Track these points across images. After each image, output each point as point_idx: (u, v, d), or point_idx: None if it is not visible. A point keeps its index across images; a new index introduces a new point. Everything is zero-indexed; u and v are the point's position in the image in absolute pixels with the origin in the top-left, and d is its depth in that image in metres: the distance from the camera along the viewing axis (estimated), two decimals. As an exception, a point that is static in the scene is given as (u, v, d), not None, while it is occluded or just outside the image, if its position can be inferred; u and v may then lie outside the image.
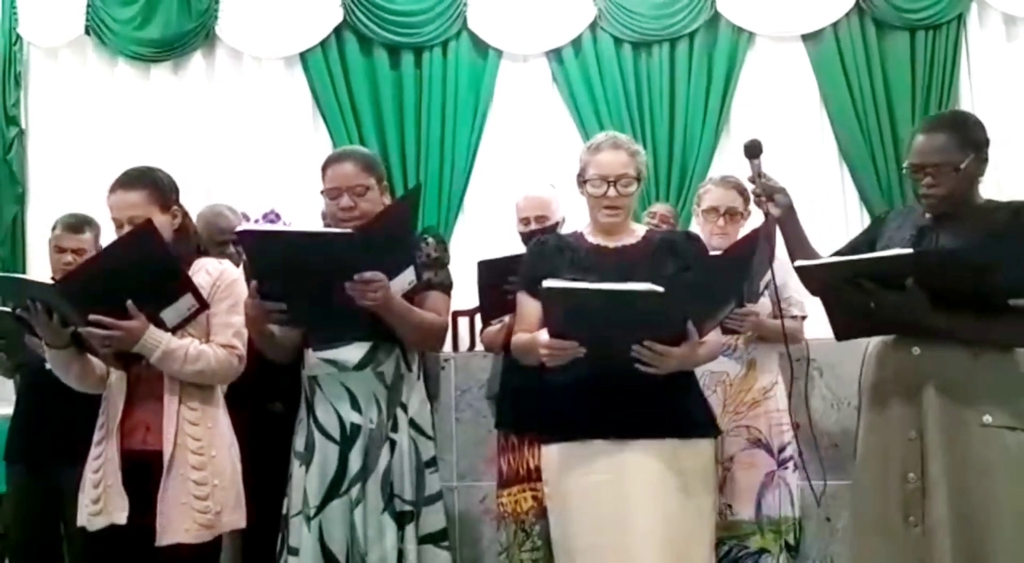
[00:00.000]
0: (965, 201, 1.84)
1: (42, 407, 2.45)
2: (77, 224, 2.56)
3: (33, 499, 2.48)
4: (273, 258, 1.80)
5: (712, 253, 2.23)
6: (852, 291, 1.72)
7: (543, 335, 1.78)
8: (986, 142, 1.85)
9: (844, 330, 1.86)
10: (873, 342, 1.92)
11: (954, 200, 1.83)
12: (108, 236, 1.95)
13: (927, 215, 1.88)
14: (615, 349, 1.72)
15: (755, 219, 2.49)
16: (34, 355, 2.23)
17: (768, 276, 2.37)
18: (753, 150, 1.94)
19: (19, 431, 2.54)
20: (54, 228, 2.58)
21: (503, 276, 2.32)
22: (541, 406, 1.94)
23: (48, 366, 2.26)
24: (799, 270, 1.81)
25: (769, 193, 1.94)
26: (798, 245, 1.97)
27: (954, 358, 1.77)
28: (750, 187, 1.98)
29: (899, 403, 1.81)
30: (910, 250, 1.73)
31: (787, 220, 1.96)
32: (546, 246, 1.99)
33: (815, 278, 1.81)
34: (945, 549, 1.70)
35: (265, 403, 2.31)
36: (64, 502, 2.37)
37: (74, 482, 2.13)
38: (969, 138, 1.83)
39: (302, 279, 1.80)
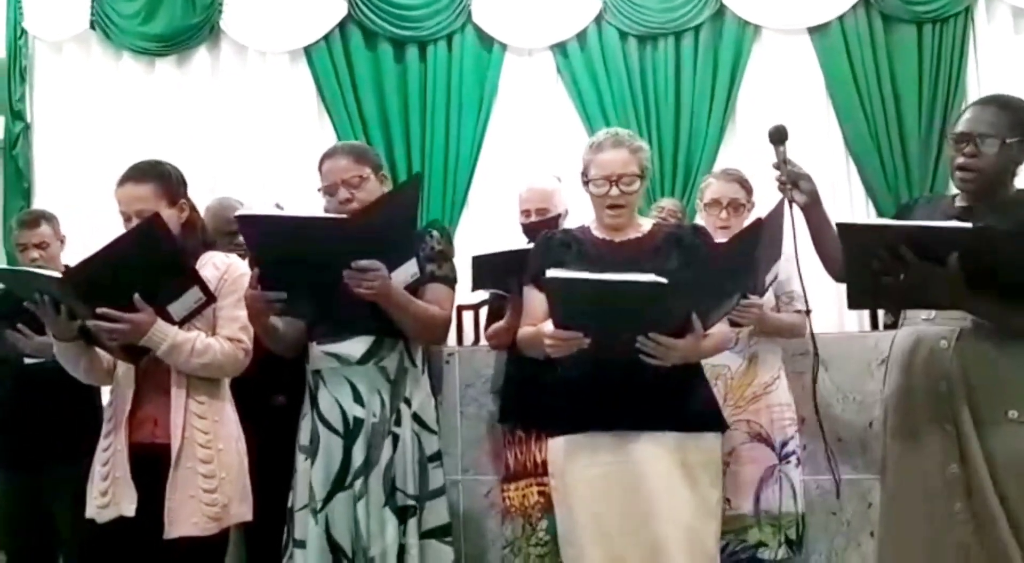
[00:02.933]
0: (997, 189, 1.79)
1: (23, 405, 2.44)
2: (31, 219, 2.59)
3: (20, 497, 2.47)
4: (272, 244, 1.80)
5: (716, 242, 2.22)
6: (887, 258, 1.67)
7: (548, 326, 1.78)
8: None
9: (859, 299, 1.83)
10: (900, 334, 1.90)
11: (989, 179, 1.78)
12: (110, 228, 1.94)
13: (956, 204, 1.84)
14: (620, 340, 1.72)
15: (758, 211, 2.50)
16: (14, 351, 2.23)
17: (775, 270, 2.36)
18: (778, 136, 1.92)
19: (0, 430, 2.54)
20: (11, 230, 2.59)
21: (497, 269, 2.34)
22: (546, 399, 1.94)
23: (27, 361, 2.27)
24: (840, 227, 1.75)
25: (794, 180, 1.91)
26: (824, 232, 1.93)
27: (982, 353, 1.75)
28: (775, 173, 1.95)
29: (930, 398, 1.79)
30: (969, 225, 1.66)
31: (812, 207, 1.92)
32: (552, 240, 1.99)
33: (855, 238, 1.74)
34: (1005, 533, 1.68)
35: (268, 396, 2.31)
36: (52, 498, 2.38)
37: (60, 478, 2.14)
38: (1021, 120, 1.78)
39: (301, 267, 1.80)
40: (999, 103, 1.82)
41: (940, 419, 1.78)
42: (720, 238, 2.42)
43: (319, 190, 2.07)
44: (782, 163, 1.91)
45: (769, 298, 2.43)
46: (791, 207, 1.93)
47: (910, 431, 1.84)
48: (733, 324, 2.31)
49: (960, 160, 1.79)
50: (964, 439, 1.75)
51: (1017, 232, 1.70)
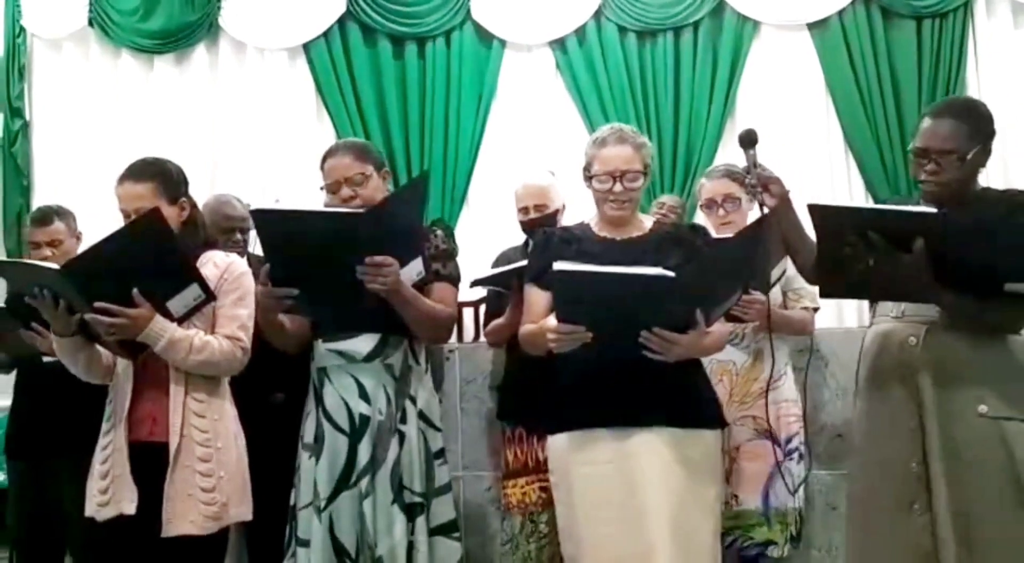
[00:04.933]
0: (963, 191, 1.80)
1: (39, 401, 2.45)
2: (44, 216, 2.58)
3: (33, 493, 2.48)
4: (284, 239, 1.80)
5: (717, 237, 2.22)
6: (856, 243, 1.67)
7: (551, 320, 1.78)
8: (992, 134, 1.82)
9: (831, 287, 1.83)
10: (870, 332, 1.90)
11: (953, 190, 1.79)
12: (109, 226, 1.94)
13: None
14: (623, 335, 1.72)
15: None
16: (31, 349, 2.23)
17: (781, 268, 2.36)
18: (748, 140, 1.92)
19: (18, 426, 2.55)
20: (24, 226, 2.58)
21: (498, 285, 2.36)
22: (546, 396, 1.94)
23: (46, 359, 2.27)
24: (810, 208, 1.75)
25: (764, 183, 1.91)
26: (795, 235, 1.94)
27: (951, 348, 1.76)
28: (745, 178, 1.96)
29: (898, 393, 1.81)
30: (934, 209, 1.67)
31: (783, 210, 1.93)
32: (552, 238, 1.99)
33: (825, 221, 1.75)
34: (949, 539, 1.70)
35: (266, 394, 2.31)
36: (64, 495, 2.38)
37: (74, 475, 2.14)
38: (978, 128, 1.79)
39: (313, 262, 1.80)
40: (955, 112, 1.81)
41: (906, 416, 1.79)
42: (723, 235, 2.42)
43: (322, 188, 2.07)
44: (752, 167, 1.91)
45: (776, 294, 2.43)
46: (762, 210, 1.93)
47: (876, 426, 1.85)
48: (736, 320, 2.32)
49: (923, 176, 1.80)
50: (928, 437, 1.75)
51: (980, 226, 1.70)
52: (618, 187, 1.89)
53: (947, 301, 1.72)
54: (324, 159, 2.07)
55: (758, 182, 1.91)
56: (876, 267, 1.67)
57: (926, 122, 1.81)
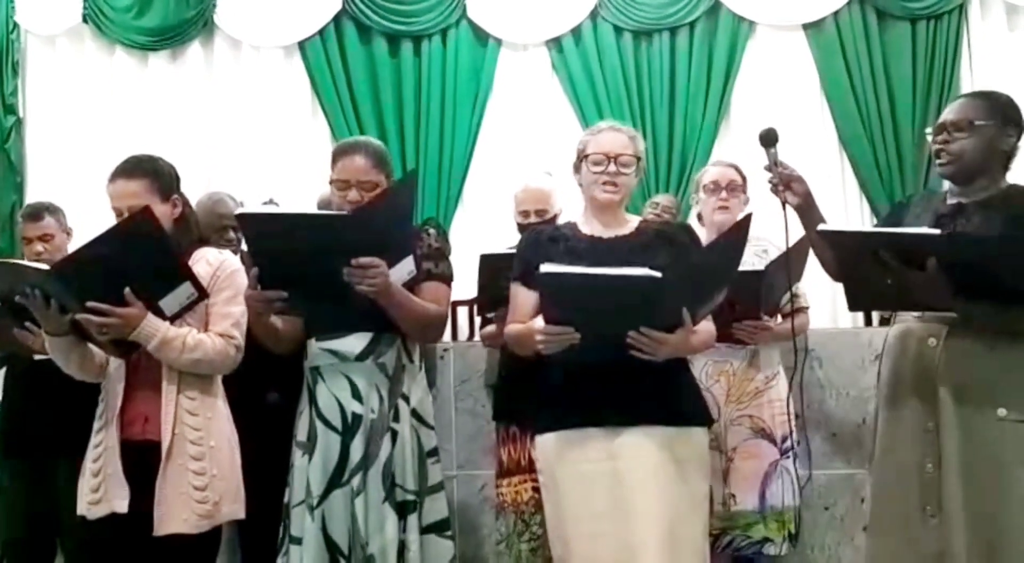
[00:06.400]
0: (980, 178, 1.80)
1: (32, 400, 2.44)
2: (35, 212, 2.60)
3: (26, 492, 2.47)
4: (271, 242, 1.78)
5: (710, 237, 2.23)
6: (872, 263, 1.69)
7: (538, 322, 1.78)
8: (1018, 123, 1.81)
9: (859, 301, 1.85)
10: (892, 331, 1.91)
11: (966, 163, 1.78)
12: (103, 224, 1.93)
13: (947, 202, 1.85)
14: (610, 335, 1.72)
15: (751, 207, 2.50)
16: (24, 347, 2.22)
17: (788, 294, 2.37)
18: (769, 139, 1.91)
19: (9, 425, 2.54)
20: (17, 223, 2.60)
21: (503, 270, 2.33)
22: (535, 396, 1.94)
23: (37, 358, 2.26)
24: (821, 234, 1.78)
25: (786, 182, 1.90)
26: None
27: (970, 351, 1.75)
28: (767, 176, 1.95)
29: (916, 395, 1.80)
30: (938, 231, 1.69)
31: (806, 209, 1.92)
32: (540, 236, 1.99)
33: (837, 244, 1.77)
34: (960, 542, 1.70)
35: (261, 393, 2.31)
36: (58, 494, 2.38)
37: (67, 474, 2.14)
38: (1000, 108, 1.80)
39: (301, 264, 1.79)
40: (976, 94, 1.87)
41: (923, 417, 1.78)
42: (719, 220, 2.44)
43: (331, 182, 2.03)
44: (773, 165, 1.91)
45: None
46: (784, 209, 1.93)
47: (894, 427, 1.85)
48: (742, 343, 2.34)
49: (935, 147, 1.82)
50: (944, 439, 1.75)
51: (990, 237, 1.71)
52: (612, 167, 1.89)
53: (967, 310, 1.72)
54: (340, 153, 2.01)
55: (780, 180, 1.90)
56: (895, 285, 1.69)
57: (949, 105, 1.87)
